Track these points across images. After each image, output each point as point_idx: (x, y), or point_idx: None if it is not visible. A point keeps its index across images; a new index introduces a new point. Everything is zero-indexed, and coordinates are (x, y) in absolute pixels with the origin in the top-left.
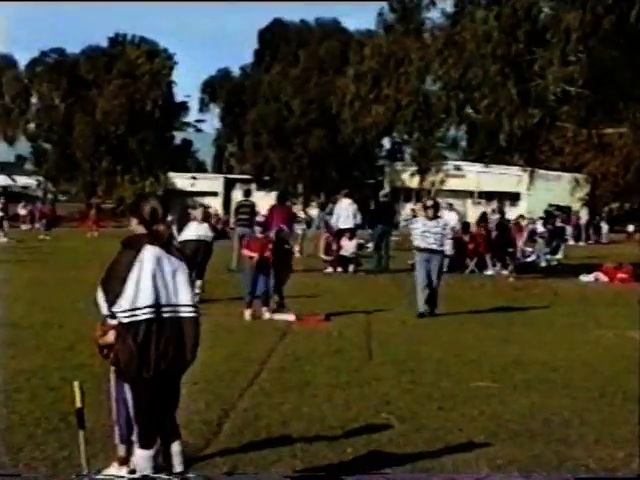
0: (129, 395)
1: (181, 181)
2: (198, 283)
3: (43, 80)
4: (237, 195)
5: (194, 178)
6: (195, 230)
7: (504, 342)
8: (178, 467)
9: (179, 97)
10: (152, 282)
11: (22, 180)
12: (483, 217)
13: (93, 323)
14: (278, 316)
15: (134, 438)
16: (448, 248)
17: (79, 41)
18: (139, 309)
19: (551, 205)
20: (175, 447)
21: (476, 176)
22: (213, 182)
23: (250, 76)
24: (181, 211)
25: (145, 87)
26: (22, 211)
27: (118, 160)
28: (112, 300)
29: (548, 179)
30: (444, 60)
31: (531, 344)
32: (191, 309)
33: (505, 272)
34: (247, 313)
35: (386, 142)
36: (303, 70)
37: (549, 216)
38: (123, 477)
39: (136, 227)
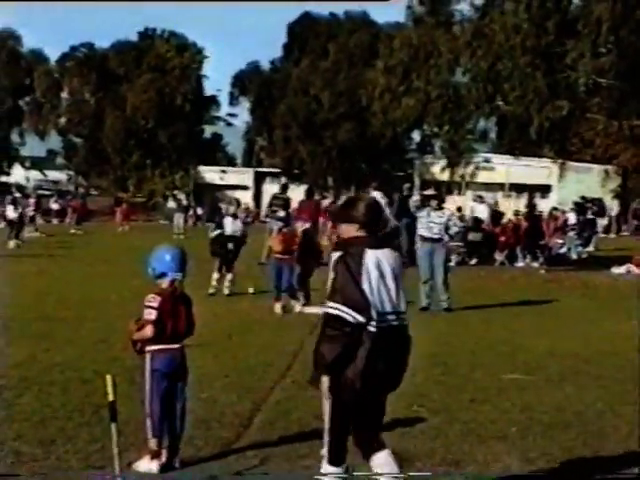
0: (327, 408)
1: (211, 175)
2: (229, 277)
3: (73, 75)
4: (267, 188)
5: (224, 172)
6: (230, 226)
7: (536, 334)
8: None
9: (209, 91)
10: (378, 289)
11: (53, 174)
12: (530, 206)
13: (125, 317)
14: (309, 309)
15: (323, 452)
16: (455, 231)
17: (109, 35)
18: (376, 318)
19: (582, 197)
20: (381, 457)
21: (506, 168)
22: (243, 176)
23: (279, 70)
24: (212, 205)
25: (175, 81)
26: (54, 206)
27: (148, 154)
28: (360, 307)
29: (579, 171)
30: (473, 52)
31: (563, 336)
32: (405, 316)
33: (536, 264)
34: (277, 306)
35: (416, 135)
36: (332, 63)
37: (580, 207)
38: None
39: (347, 230)
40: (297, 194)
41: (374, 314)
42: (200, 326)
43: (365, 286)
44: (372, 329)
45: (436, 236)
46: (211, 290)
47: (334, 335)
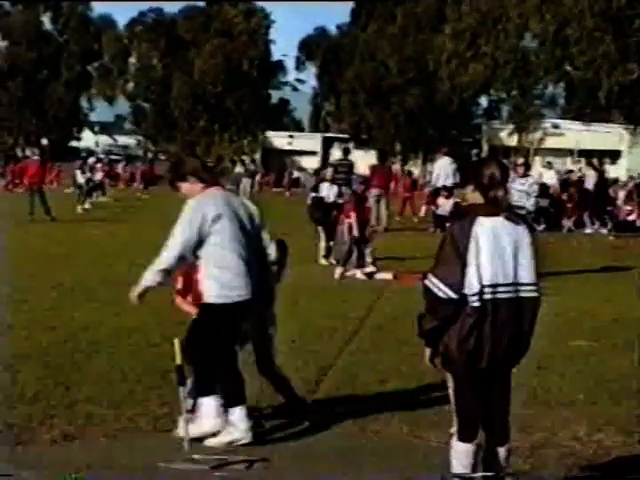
0: (451, 384)
1: (279, 140)
2: (330, 244)
3: (142, 40)
4: (335, 154)
5: (291, 137)
6: (326, 190)
7: (603, 301)
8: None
9: (276, 56)
10: (490, 259)
11: (123, 139)
12: (599, 172)
13: None
14: (377, 275)
15: (452, 430)
16: (530, 203)
17: (177, 1)
18: (479, 291)
19: None
20: (500, 452)
21: (575, 134)
22: (311, 141)
23: (347, 35)
24: (279, 170)
25: (242, 46)
26: (121, 171)
27: (215, 119)
28: (454, 282)
29: None
30: (542, 16)
31: (631, 303)
32: (531, 288)
33: (604, 230)
34: (337, 271)
35: (483, 100)
36: (400, 28)
37: None
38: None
39: (471, 195)
40: (365, 160)
41: (477, 287)
42: None
43: (471, 258)
44: (476, 303)
45: (515, 203)
46: (323, 261)
47: (432, 307)
